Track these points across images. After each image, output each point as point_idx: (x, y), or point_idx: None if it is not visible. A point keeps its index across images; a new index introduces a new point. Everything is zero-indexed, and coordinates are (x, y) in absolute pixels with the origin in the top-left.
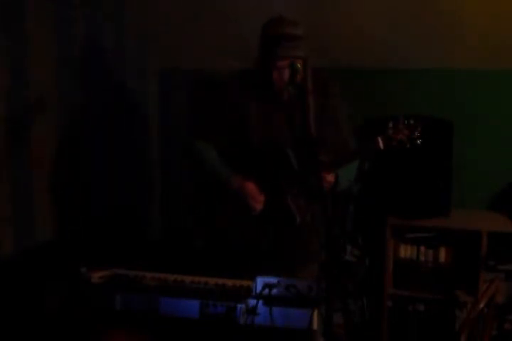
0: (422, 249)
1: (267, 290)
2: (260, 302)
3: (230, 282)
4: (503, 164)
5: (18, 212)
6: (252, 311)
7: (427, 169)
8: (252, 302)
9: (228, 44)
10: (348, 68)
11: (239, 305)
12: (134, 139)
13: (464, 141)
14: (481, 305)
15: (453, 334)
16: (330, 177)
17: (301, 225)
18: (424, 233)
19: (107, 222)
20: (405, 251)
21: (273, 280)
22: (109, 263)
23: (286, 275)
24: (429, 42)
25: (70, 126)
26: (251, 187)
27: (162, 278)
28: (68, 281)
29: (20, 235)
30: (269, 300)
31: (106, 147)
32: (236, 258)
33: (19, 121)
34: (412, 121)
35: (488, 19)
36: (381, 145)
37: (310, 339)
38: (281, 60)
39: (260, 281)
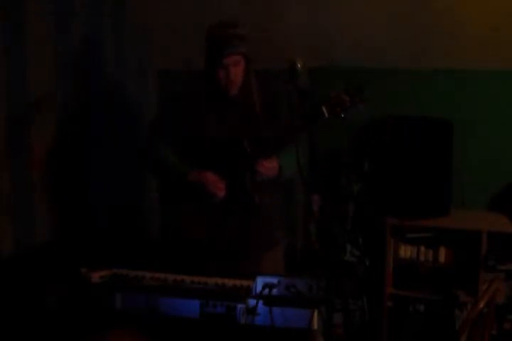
0: (422, 248)
1: (267, 290)
2: (260, 302)
3: (230, 282)
4: (503, 164)
5: (18, 212)
6: (252, 311)
7: (427, 169)
8: (252, 302)
9: None
10: (348, 68)
11: (239, 305)
12: (133, 139)
13: (464, 141)
14: (481, 305)
15: (453, 334)
16: (269, 163)
17: (261, 210)
18: (424, 233)
19: (107, 222)
20: (405, 251)
21: (273, 280)
22: (109, 263)
23: (252, 262)
24: (428, 43)
25: (69, 126)
26: (210, 175)
27: (162, 278)
28: (68, 281)
29: (20, 235)
30: (269, 300)
31: (105, 147)
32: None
33: (19, 121)
34: (351, 88)
35: (489, 19)
36: (326, 113)
37: (310, 339)
38: (225, 58)
39: (260, 281)
